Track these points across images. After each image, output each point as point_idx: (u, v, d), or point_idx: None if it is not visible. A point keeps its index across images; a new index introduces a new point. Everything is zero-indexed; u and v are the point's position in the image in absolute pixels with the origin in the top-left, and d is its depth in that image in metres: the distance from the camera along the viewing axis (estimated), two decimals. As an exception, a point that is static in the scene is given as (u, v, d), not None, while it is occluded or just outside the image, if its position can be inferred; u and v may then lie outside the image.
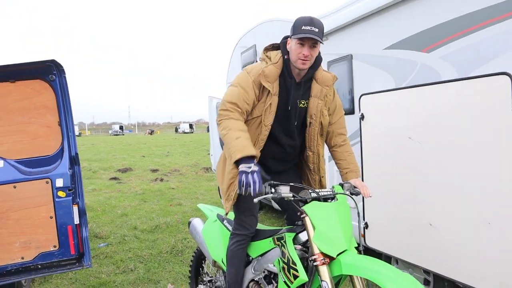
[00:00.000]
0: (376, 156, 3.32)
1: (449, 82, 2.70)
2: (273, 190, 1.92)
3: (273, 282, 2.21)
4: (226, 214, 2.32)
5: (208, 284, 2.87)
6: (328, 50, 4.17)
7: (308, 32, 1.97)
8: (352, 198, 2.08)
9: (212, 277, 2.92)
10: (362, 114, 3.42)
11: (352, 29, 3.75)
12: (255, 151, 1.93)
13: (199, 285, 2.94)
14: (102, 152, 22.91)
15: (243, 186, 1.81)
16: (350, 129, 3.85)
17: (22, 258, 2.85)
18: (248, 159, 1.88)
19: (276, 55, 2.16)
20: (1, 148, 2.88)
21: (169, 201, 8.05)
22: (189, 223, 3.04)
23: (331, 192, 2.02)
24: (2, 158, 2.87)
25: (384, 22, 3.34)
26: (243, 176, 1.82)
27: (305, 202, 1.98)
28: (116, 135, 71.04)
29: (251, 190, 1.80)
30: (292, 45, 2.08)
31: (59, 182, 2.89)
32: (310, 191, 1.99)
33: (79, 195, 2.96)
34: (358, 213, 2.08)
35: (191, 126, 78.85)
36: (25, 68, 2.83)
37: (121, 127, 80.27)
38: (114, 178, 11.29)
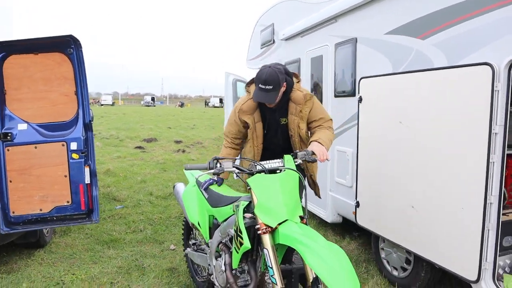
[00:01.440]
0: (370, 139, 3.45)
1: (435, 69, 2.78)
2: (218, 165, 2.15)
3: None
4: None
5: (193, 247, 3.15)
6: (335, 32, 4.25)
7: (263, 92, 2.46)
8: (298, 173, 2.14)
9: (196, 240, 3.20)
10: (360, 96, 3.54)
11: (358, 13, 3.80)
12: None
13: (187, 248, 3.23)
14: (131, 122, 23.77)
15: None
16: (350, 111, 4.00)
17: (40, 210, 3.26)
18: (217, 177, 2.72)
19: (252, 89, 2.63)
20: (25, 112, 3.24)
21: (187, 172, 8.44)
22: (174, 186, 3.25)
23: (278, 164, 2.17)
24: (26, 122, 3.24)
25: (387, 7, 3.39)
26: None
27: (252, 174, 2.15)
28: (148, 106, 72.72)
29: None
30: None
31: (73, 145, 3.23)
32: (255, 163, 2.16)
33: (90, 158, 3.30)
34: (304, 186, 2.22)
35: (221, 100, 79.32)
36: (46, 41, 3.14)
37: (152, 98, 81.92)
38: (139, 147, 11.86)
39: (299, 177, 2.16)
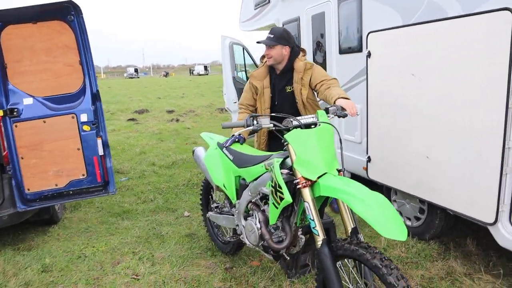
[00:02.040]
0: (380, 93, 3.45)
1: (450, 19, 2.74)
2: (255, 122, 2.15)
3: (268, 202, 2.41)
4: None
5: (216, 210, 3.19)
6: (339, -13, 4.12)
7: (264, 40, 2.82)
8: (333, 126, 2.19)
9: (219, 203, 3.23)
10: (369, 51, 3.49)
11: (363, -36, 3.68)
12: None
13: (209, 212, 3.26)
14: (119, 94, 23.29)
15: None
16: (357, 67, 3.96)
17: (56, 185, 3.22)
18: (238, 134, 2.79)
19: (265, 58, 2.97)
20: (29, 86, 3.12)
21: (184, 140, 8.41)
22: (193, 151, 3.23)
23: (312, 119, 2.18)
24: (31, 96, 3.13)
25: (395, -43, 3.28)
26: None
27: (288, 130, 2.15)
28: (132, 78, 71.06)
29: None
30: None
31: (84, 117, 3.16)
32: (291, 119, 2.16)
33: (102, 128, 3.23)
34: (340, 139, 2.22)
35: (206, 68, 77.93)
36: (44, 9, 2.97)
37: (136, 70, 79.97)
38: (132, 119, 11.69)
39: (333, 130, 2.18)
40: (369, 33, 3.48)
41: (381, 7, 3.53)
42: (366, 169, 3.75)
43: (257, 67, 7.57)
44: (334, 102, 2.46)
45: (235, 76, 6.34)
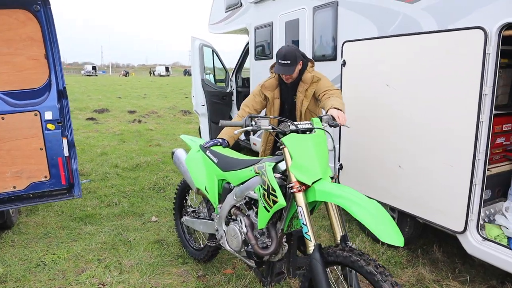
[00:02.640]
0: (354, 101, 3.51)
1: (426, 33, 2.84)
2: (253, 122, 2.12)
3: (253, 207, 2.41)
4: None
5: (192, 214, 3.09)
6: (315, -5, 4.17)
7: (281, 67, 2.87)
8: (329, 133, 2.23)
9: (195, 208, 3.13)
10: (344, 60, 3.55)
11: (341, -25, 3.75)
12: (226, 137, 2.85)
13: (184, 216, 3.15)
14: (76, 92, 22.21)
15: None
16: (331, 75, 4.01)
17: (14, 187, 2.96)
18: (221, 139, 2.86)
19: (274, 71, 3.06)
20: (-14, 79, 2.85)
21: (148, 142, 8.15)
22: (173, 153, 3.14)
23: (309, 126, 2.19)
24: (-12, 89, 2.86)
25: (373, -30, 3.36)
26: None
27: (285, 134, 2.15)
28: (89, 75, 68.15)
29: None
30: None
31: (48, 115, 2.94)
32: (289, 123, 2.15)
33: (67, 128, 3.02)
34: (334, 147, 2.24)
35: (167, 69, 76.59)
36: (7, -4, 2.74)
37: (94, 68, 76.76)
38: (91, 119, 11.16)
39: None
40: (344, 42, 3.54)
41: (357, 17, 3.60)
42: (338, 176, 3.80)
43: (226, 70, 7.48)
44: (327, 112, 2.48)
45: (204, 79, 6.23)
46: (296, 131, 2.13)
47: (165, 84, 34.23)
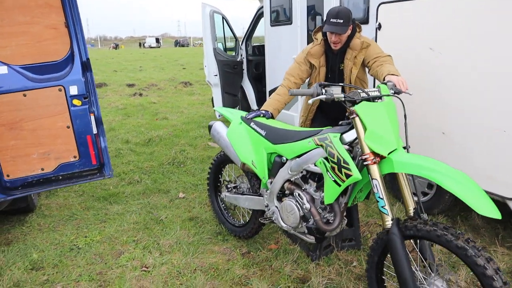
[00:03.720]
0: (392, 68, 3.32)
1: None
2: (323, 90, 1.95)
3: (310, 181, 2.28)
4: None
5: (233, 190, 2.94)
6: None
7: (333, 26, 2.61)
8: (400, 99, 2.07)
9: (236, 183, 2.99)
10: (379, 23, 3.33)
11: None
12: (271, 108, 2.70)
13: (223, 192, 3.01)
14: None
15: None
16: (362, 40, 3.79)
17: (42, 169, 2.77)
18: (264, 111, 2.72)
19: (319, 37, 2.87)
20: (3, 52, 2.59)
21: (153, 116, 7.91)
22: (210, 126, 2.94)
23: (378, 93, 2.02)
24: (5, 64, 2.61)
25: None
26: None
27: (354, 102, 1.98)
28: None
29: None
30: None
31: (73, 90, 2.71)
32: (359, 91, 1.98)
33: (94, 103, 2.80)
34: (405, 115, 2.07)
35: (157, 40, 74.64)
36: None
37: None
38: (90, 93, 10.81)
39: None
40: (380, 4, 3.30)
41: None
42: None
43: (236, 38, 7.16)
44: (384, 79, 2.29)
45: (216, 48, 5.95)
46: (368, 99, 1.96)
47: (159, 55, 33.34)
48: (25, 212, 3.45)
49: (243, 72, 6.54)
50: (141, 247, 2.88)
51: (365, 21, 3.72)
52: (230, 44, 6.77)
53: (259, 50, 6.60)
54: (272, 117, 2.68)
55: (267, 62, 5.71)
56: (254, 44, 6.70)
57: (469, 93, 2.75)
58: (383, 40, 3.35)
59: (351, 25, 2.71)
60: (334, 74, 2.92)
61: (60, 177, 2.82)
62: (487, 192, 2.71)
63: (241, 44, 6.54)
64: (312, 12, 4.51)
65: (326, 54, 2.88)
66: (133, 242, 2.97)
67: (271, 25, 5.40)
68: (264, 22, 5.61)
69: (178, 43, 75.13)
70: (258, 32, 6.54)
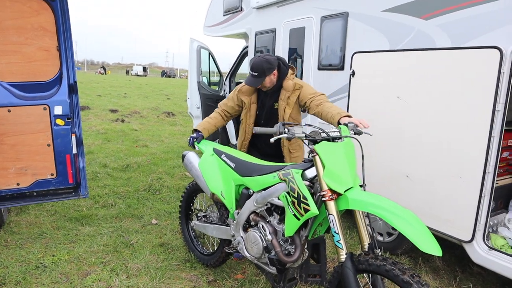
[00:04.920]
0: (362, 111, 3.57)
1: (443, 49, 2.94)
2: (286, 130, 2.10)
3: (274, 214, 2.38)
4: None
5: (203, 219, 3.03)
6: (322, 5, 4.23)
7: (250, 77, 2.86)
8: (358, 140, 2.22)
9: (206, 212, 3.07)
10: (353, 71, 3.61)
11: (352, -13, 3.82)
12: (201, 128, 3.00)
13: (193, 221, 3.08)
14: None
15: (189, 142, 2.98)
16: (337, 84, 4.08)
17: (18, 184, 2.81)
18: (196, 131, 3.01)
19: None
20: (-8, 68, 2.71)
21: (134, 142, 7.96)
22: (183, 156, 3.06)
23: (338, 133, 2.19)
24: (-5, 80, 2.71)
25: (386, -16, 3.45)
26: (189, 138, 3.00)
27: (315, 142, 2.14)
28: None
29: (189, 143, 2.97)
30: None
31: (58, 110, 2.81)
32: (320, 131, 2.15)
33: (76, 124, 2.90)
34: (363, 155, 2.20)
35: (144, 69, 75.35)
36: (23, -17, 2.62)
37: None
38: (71, 115, 10.78)
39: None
40: (354, 53, 3.61)
41: (368, 29, 3.68)
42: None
43: (220, 74, 7.43)
44: (338, 121, 2.42)
45: (200, 81, 6.18)
46: (328, 139, 2.13)
47: (144, 84, 33.60)
48: (-8, 228, 3.41)
49: (225, 106, 6.75)
50: (108, 269, 2.89)
51: (341, 67, 4.02)
52: (215, 79, 7.02)
53: (242, 87, 6.87)
54: (203, 137, 2.99)
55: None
56: (238, 81, 6.98)
57: (429, 140, 2.99)
58: (356, 86, 3.63)
59: (275, 71, 2.88)
60: (264, 112, 3.03)
61: (35, 193, 2.85)
62: (446, 235, 2.91)
63: (225, 80, 6.80)
64: (294, 54, 4.81)
65: (258, 92, 3.03)
66: (101, 263, 2.98)
67: (255, 64, 5.69)
68: (249, 61, 5.91)
69: (165, 74, 76.00)
70: (242, 70, 6.83)
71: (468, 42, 2.85)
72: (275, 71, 2.89)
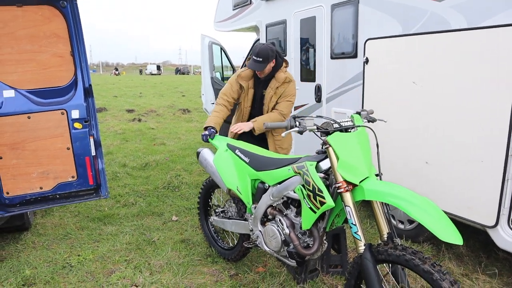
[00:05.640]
0: (378, 98, 3.51)
1: (459, 31, 2.85)
2: (297, 123, 2.08)
3: (291, 206, 2.38)
4: None
5: (221, 214, 3.05)
6: (333, -8, 4.16)
7: (254, 63, 3.03)
8: (371, 129, 2.19)
9: (224, 207, 3.10)
10: (366, 58, 3.55)
11: (361, -28, 3.74)
12: (212, 123, 3.10)
13: (212, 216, 3.12)
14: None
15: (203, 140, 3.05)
16: (351, 72, 4.02)
17: (41, 188, 2.89)
18: (208, 127, 3.10)
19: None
20: (10, 77, 2.78)
21: (151, 141, 8.07)
22: (198, 153, 3.08)
23: (351, 123, 2.16)
24: (13, 88, 2.79)
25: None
26: (202, 135, 3.06)
27: (327, 133, 2.11)
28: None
29: (203, 140, 3.05)
30: None
31: (75, 114, 2.87)
32: (332, 122, 2.12)
33: (94, 126, 2.96)
34: (377, 143, 2.18)
35: (158, 67, 76.00)
36: (33, -9, 2.67)
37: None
38: (90, 117, 11.01)
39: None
40: (367, 40, 3.54)
41: (380, 15, 3.60)
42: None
43: (233, 68, 7.45)
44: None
45: (213, 77, 6.19)
46: (340, 129, 2.11)
47: (159, 82, 33.96)
48: (20, 230, 3.53)
49: (239, 100, 6.77)
50: (132, 267, 2.96)
51: (354, 55, 3.95)
52: (229, 73, 7.03)
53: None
54: (215, 132, 3.07)
55: (263, 92, 5.93)
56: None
57: (448, 125, 2.92)
58: (370, 73, 3.57)
59: (274, 60, 3.09)
60: (260, 98, 3.28)
61: (58, 196, 2.93)
62: (469, 221, 2.85)
63: (239, 74, 6.79)
64: (305, 44, 4.76)
65: (254, 78, 3.26)
66: (124, 261, 3.05)
67: (267, 57, 5.66)
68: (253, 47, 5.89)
69: (178, 71, 76.48)
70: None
71: (485, 22, 2.76)
72: (274, 60, 3.12)
